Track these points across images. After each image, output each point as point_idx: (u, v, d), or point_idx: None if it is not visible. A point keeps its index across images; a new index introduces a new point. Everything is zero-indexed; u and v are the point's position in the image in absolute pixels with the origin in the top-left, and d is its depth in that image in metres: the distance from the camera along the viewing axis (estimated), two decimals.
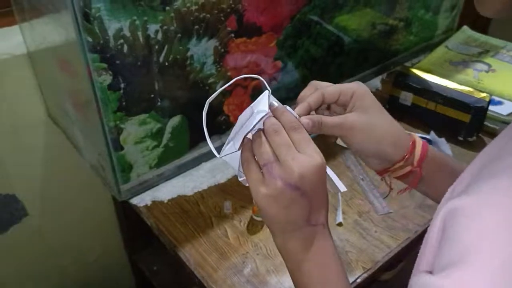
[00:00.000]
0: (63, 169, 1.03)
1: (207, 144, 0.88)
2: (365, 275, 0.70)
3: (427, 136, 0.96)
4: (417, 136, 0.54)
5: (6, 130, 0.91)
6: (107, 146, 0.71)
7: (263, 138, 0.46)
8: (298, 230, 0.46)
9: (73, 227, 1.15)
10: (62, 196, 1.08)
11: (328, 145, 0.95)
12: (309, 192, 0.44)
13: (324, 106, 0.55)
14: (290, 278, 0.68)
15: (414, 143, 0.53)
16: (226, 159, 0.51)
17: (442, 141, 0.92)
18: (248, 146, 0.48)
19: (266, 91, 0.50)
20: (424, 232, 0.78)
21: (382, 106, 0.53)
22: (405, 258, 1.15)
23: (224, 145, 0.52)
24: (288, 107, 0.50)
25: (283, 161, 0.44)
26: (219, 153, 0.51)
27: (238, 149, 0.50)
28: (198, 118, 0.84)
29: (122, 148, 0.73)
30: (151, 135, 0.76)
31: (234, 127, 0.51)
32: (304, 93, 0.53)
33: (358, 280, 0.69)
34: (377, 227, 0.78)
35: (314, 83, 0.54)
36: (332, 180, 0.51)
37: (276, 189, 0.43)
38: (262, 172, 0.45)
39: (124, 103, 0.69)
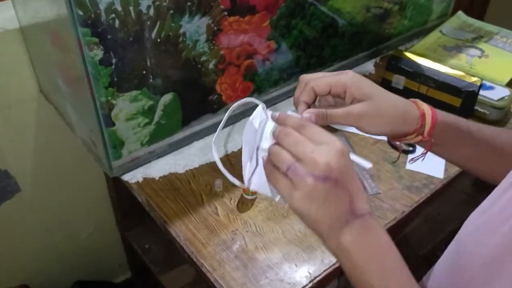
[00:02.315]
0: (56, 145, 1.04)
1: (199, 123, 0.89)
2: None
3: None
4: (425, 104, 0.55)
5: None
6: (98, 122, 0.71)
7: (277, 146, 0.45)
8: (347, 226, 0.43)
9: (66, 203, 1.15)
10: (54, 172, 1.08)
11: (321, 126, 0.96)
12: (341, 179, 0.42)
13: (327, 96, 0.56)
14: (277, 254, 0.70)
15: (423, 115, 0.54)
16: (255, 188, 0.52)
17: None
18: (267, 160, 0.47)
19: (259, 106, 0.52)
20: (411, 212, 0.80)
21: (381, 88, 0.54)
22: (394, 240, 1.17)
23: (246, 173, 0.52)
24: (289, 111, 0.52)
25: (303, 158, 0.42)
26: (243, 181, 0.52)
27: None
28: (191, 96, 0.85)
29: (113, 124, 0.73)
30: (143, 112, 0.76)
31: (243, 149, 0.51)
32: (296, 93, 0.54)
33: None
34: None
35: (302, 79, 0.54)
36: (354, 161, 0.52)
37: (308, 187, 0.42)
38: (289, 179, 0.43)
39: (115, 79, 0.69)
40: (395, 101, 0.53)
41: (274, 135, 0.46)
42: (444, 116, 0.56)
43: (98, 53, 0.65)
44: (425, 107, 0.55)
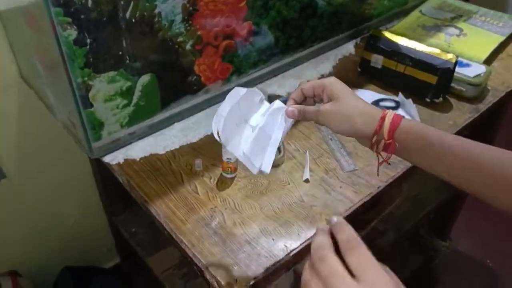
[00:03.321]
0: (39, 130, 1.04)
1: (179, 105, 0.90)
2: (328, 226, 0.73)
3: (396, 98, 0.98)
4: (391, 111, 0.58)
5: None
6: (76, 103, 0.72)
7: (308, 275, 0.39)
8: None
9: (52, 189, 1.16)
10: (39, 158, 1.09)
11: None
12: None
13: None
14: (255, 229, 0.72)
15: (383, 117, 0.58)
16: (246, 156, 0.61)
17: (409, 102, 0.94)
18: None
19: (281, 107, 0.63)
20: (387, 187, 0.82)
21: (354, 92, 0.61)
22: (373, 220, 1.19)
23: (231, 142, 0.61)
24: (277, 101, 0.63)
25: None
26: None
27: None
28: (169, 78, 0.85)
29: (91, 105, 0.74)
30: (121, 93, 0.77)
31: (225, 123, 0.60)
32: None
33: None
34: (342, 183, 0.80)
35: (299, 84, 0.65)
36: None
37: None
38: None
39: (91, 59, 0.69)
40: (359, 103, 0.59)
41: (312, 246, 0.40)
42: (411, 123, 0.58)
43: (72, 33, 0.65)
44: (390, 113, 0.58)
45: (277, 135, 0.62)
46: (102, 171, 1.03)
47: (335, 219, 0.43)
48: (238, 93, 0.62)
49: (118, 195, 1.08)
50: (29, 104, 0.98)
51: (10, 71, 0.93)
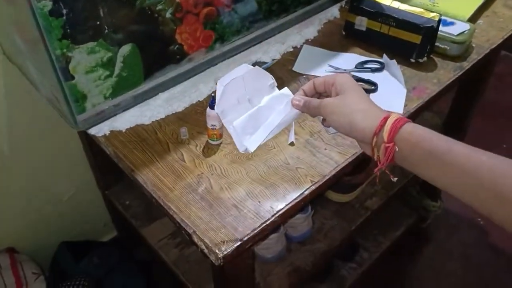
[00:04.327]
0: (25, 107, 1.04)
1: (163, 74, 0.90)
2: (313, 187, 0.74)
3: (381, 60, 0.98)
4: (396, 113, 0.53)
5: None
6: (56, 76, 0.72)
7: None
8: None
9: (44, 165, 1.17)
10: (29, 135, 1.09)
11: (283, 72, 0.97)
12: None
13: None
14: (241, 193, 0.73)
15: (385, 118, 0.53)
16: (233, 128, 0.63)
17: (393, 63, 0.94)
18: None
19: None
20: None
21: (363, 91, 0.58)
22: (362, 183, 1.21)
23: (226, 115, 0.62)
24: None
25: None
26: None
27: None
28: (150, 47, 0.85)
29: (72, 78, 0.74)
30: (102, 64, 0.77)
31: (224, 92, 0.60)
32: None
33: (306, 192, 0.74)
34: (327, 145, 0.81)
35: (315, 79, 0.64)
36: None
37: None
38: None
39: (68, 30, 0.69)
40: (364, 100, 0.57)
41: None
42: (416, 126, 0.52)
43: (47, 3, 0.65)
44: (393, 114, 0.53)
45: (274, 119, 0.60)
46: (91, 145, 1.04)
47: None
48: (245, 68, 0.60)
49: (109, 168, 1.08)
50: (14, 80, 0.98)
51: None
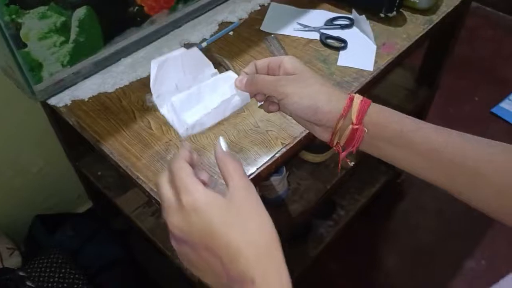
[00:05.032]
0: None
1: (124, 38, 0.86)
2: (284, 149, 0.74)
3: (350, 16, 0.96)
4: (358, 95, 0.50)
5: None
6: (7, 44, 0.68)
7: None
8: None
9: (9, 138, 1.13)
10: None
11: (251, 31, 0.94)
12: (200, 241, 0.38)
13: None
14: (211, 159, 0.71)
15: (351, 98, 0.49)
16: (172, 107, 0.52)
17: (362, 19, 0.92)
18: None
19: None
20: None
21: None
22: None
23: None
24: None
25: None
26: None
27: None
28: (108, 9, 0.80)
29: (25, 45, 0.70)
30: (56, 29, 0.72)
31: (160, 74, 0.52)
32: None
33: (277, 155, 0.73)
34: None
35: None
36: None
37: (176, 250, 0.40)
38: None
39: None
40: (324, 81, 0.51)
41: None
42: (382, 107, 0.50)
43: None
44: (357, 95, 0.50)
45: (213, 101, 0.52)
46: (55, 115, 1.00)
47: (223, 146, 0.43)
48: (183, 50, 0.54)
49: (77, 138, 1.05)
50: None
51: None
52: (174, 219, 0.39)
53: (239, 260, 0.36)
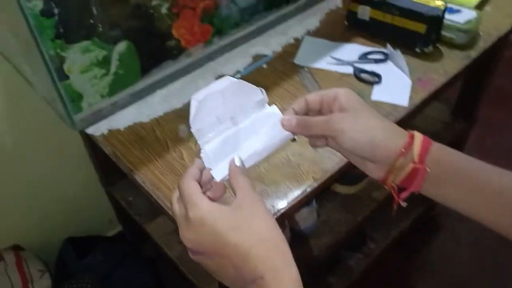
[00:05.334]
0: (25, 106, 1.03)
1: (160, 71, 0.88)
2: (315, 184, 0.73)
3: (385, 50, 0.95)
4: (418, 132, 0.48)
5: None
6: (51, 77, 0.71)
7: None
8: None
9: (48, 163, 1.17)
10: (30, 132, 1.08)
11: (285, 64, 0.95)
12: (210, 249, 0.41)
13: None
14: None
15: (412, 136, 0.47)
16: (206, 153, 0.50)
17: (397, 53, 0.91)
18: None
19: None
20: None
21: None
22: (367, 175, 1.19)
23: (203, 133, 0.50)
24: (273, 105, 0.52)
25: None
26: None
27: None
28: (147, 44, 0.83)
29: (67, 78, 0.72)
30: (97, 63, 0.75)
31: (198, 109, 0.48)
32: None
33: (308, 190, 0.72)
34: None
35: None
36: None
37: (195, 261, 0.43)
38: None
39: (61, 30, 0.67)
40: (382, 117, 0.49)
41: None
42: (443, 146, 0.48)
43: (38, 3, 0.63)
44: (416, 132, 0.48)
45: (252, 143, 0.49)
46: (91, 143, 1.03)
47: (236, 161, 0.46)
48: (227, 81, 0.49)
49: (111, 165, 1.08)
50: (13, 79, 0.96)
51: None
52: (185, 233, 0.42)
53: (249, 260, 0.39)
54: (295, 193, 0.72)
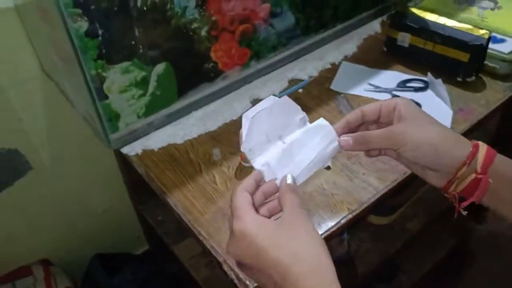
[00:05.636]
0: (63, 122, 1.05)
1: (196, 93, 0.88)
2: (350, 216, 0.71)
3: (425, 78, 0.93)
4: (482, 142, 0.48)
5: (2, 86, 0.92)
6: (91, 96, 0.72)
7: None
8: None
9: (79, 179, 1.18)
10: (64, 148, 1.10)
11: (321, 90, 0.94)
12: (252, 263, 0.42)
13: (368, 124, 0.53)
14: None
15: (476, 146, 0.46)
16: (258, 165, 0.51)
17: (438, 82, 0.89)
18: None
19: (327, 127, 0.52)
20: (412, 173, 0.78)
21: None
22: (402, 205, 1.15)
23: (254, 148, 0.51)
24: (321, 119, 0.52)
25: None
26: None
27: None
28: (185, 66, 0.84)
29: (106, 97, 0.73)
30: (136, 83, 0.76)
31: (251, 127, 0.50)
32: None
33: (343, 221, 0.70)
34: (366, 170, 0.77)
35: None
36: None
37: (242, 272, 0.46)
38: None
39: (104, 51, 0.68)
40: (445, 127, 0.49)
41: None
42: (506, 160, 0.47)
43: (83, 24, 0.64)
44: (481, 142, 0.47)
45: (305, 156, 0.50)
46: (125, 162, 1.03)
47: (288, 179, 0.47)
48: (271, 99, 0.51)
49: (143, 184, 1.08)
50: (52, 96, 0.98)
51: (31, 64, 0.94)
52: (229, 245, 0.43)
53: (289, 279, 0.39)
54: (329, 224, 0.69)
